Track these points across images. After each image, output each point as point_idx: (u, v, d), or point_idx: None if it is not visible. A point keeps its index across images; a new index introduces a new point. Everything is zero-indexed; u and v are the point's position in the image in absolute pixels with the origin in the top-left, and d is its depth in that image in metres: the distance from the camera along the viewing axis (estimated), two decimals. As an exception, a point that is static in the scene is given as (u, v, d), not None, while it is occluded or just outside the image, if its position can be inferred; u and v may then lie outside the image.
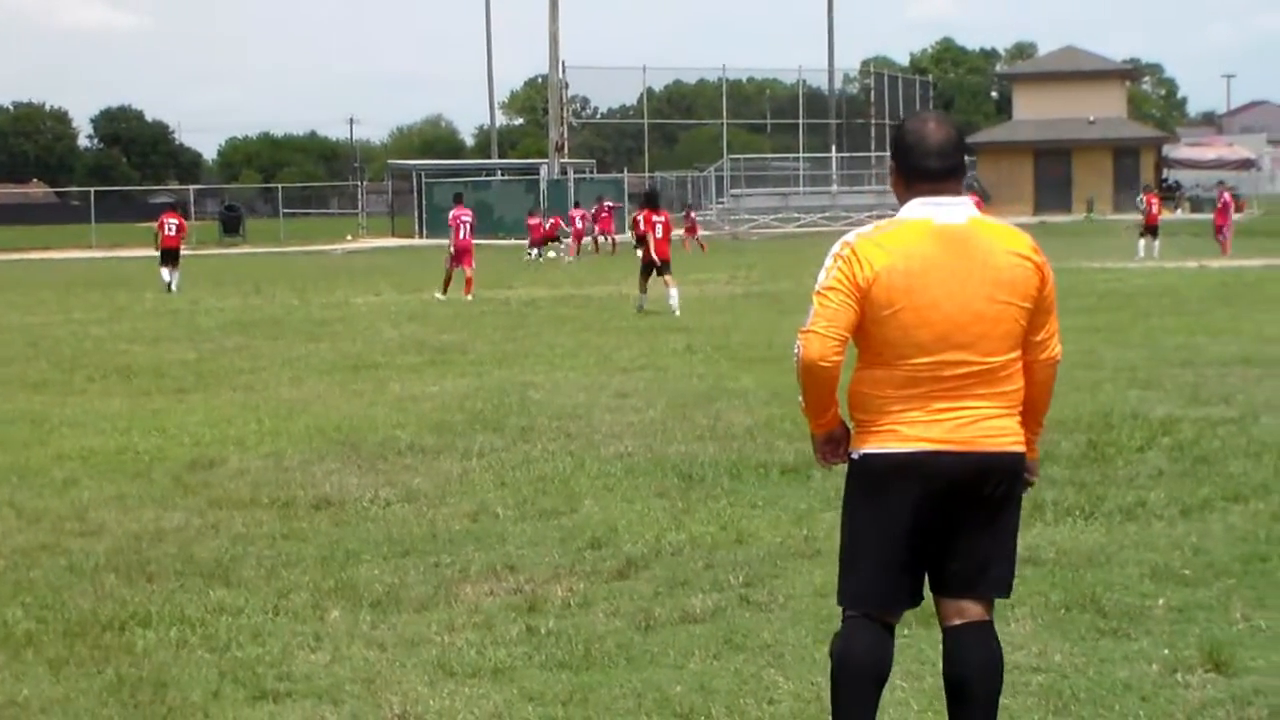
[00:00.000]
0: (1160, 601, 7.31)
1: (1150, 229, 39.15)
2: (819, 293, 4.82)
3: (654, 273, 25.54)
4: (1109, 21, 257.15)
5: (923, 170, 4.88)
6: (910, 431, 4.78)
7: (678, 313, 24.12)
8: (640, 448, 11.84)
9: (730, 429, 12.58)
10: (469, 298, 29.45)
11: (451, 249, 30.62)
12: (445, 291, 30.08)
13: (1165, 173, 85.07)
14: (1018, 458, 4.92)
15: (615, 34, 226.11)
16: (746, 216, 74.04)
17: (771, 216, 74.71)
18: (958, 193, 4.90)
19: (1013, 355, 4.85)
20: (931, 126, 4.93)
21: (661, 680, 6.41)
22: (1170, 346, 18.03)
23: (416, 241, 65.01)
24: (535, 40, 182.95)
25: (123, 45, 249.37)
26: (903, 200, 4.95)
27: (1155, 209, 39.36)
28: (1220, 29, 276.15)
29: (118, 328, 24.85)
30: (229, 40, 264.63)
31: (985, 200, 44.68)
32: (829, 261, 4.85)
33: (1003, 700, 5.99)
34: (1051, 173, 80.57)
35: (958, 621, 4.97)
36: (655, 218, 25.77)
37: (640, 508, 9.74)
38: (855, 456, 4.93)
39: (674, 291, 24.78)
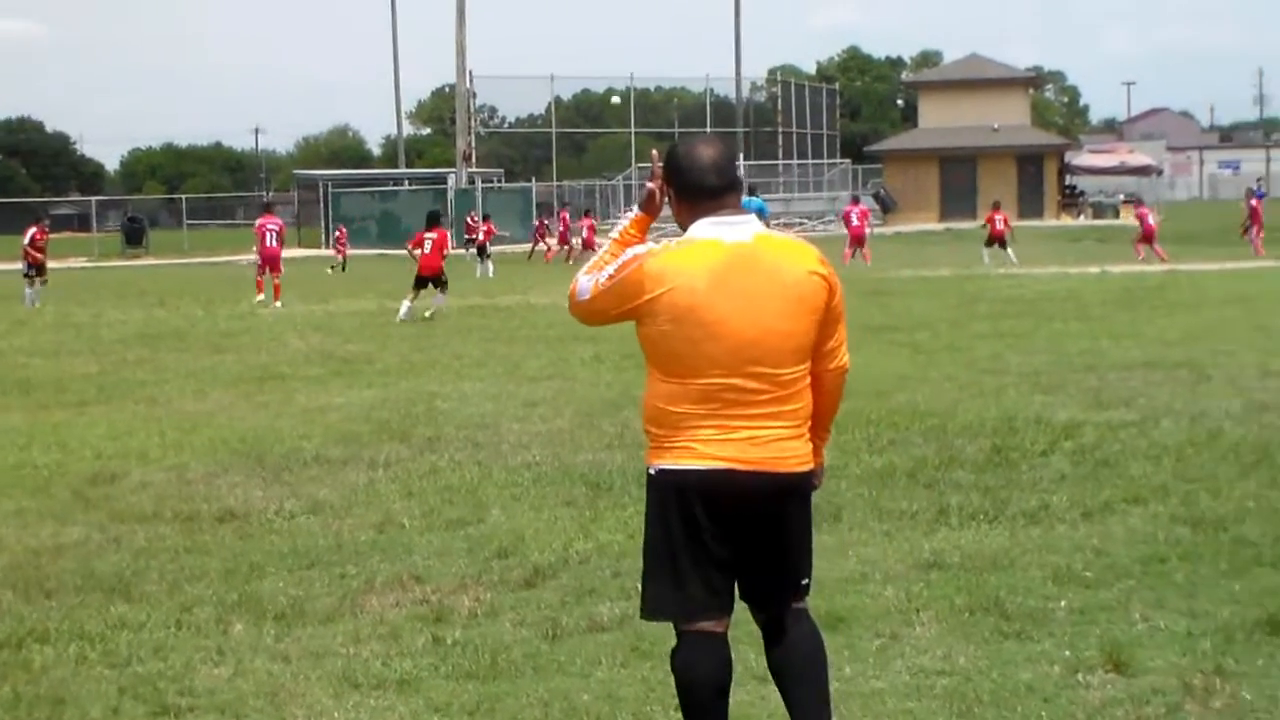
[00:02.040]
0: (1062, 603, 7.38)
1: (996, 239, 40.51)
2: (601, 287, 5.00)
3: (428, 285, 27.09)
4: (1013, 30, 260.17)
5: (703, 188, 4.96)
6: (705, 449, 4.86)
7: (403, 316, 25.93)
8: (548, 457, 11.82)
9: (638, 437, 12.47)
10: (278, 305, 30.55)
11: (258, 256, 32.25)
12: (262, 295, 31.39)
13: (1069, 179, 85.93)
14: (807, 477, 5.05)
15: (523, 43, 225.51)
16: (655, 225, 74.03)
17: (680, 224, 74.68)
18: (738, 209, 4.99)
19: (802, 368, 4.94)
20: (703, 147, 5.05)
21: (569, 689, 6.40)
22: (1073, 351, 18.22)
23: (323, 252, 64.38)
24: (442, 49, 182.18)
25: (22, 55, 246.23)
26: (687, 224, 5.01)
27: (1000, 224, 40.41)
28: (1119, 37, 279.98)
29: (16, 340, 24.50)
30: (132, 50, 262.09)
31: (891, 208, 45.17)
32: (626, 262, 4.97)
33: (908, 704, 6.06)
34: (957, 180, 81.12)
35: (771, 615, 5.17)
36: (428, 235, 27.23)
37: (548, 516, 9.72)
38: (652, 472, 5.03)
39: (428, 303, 26.64)
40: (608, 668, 6.66)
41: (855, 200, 45.46)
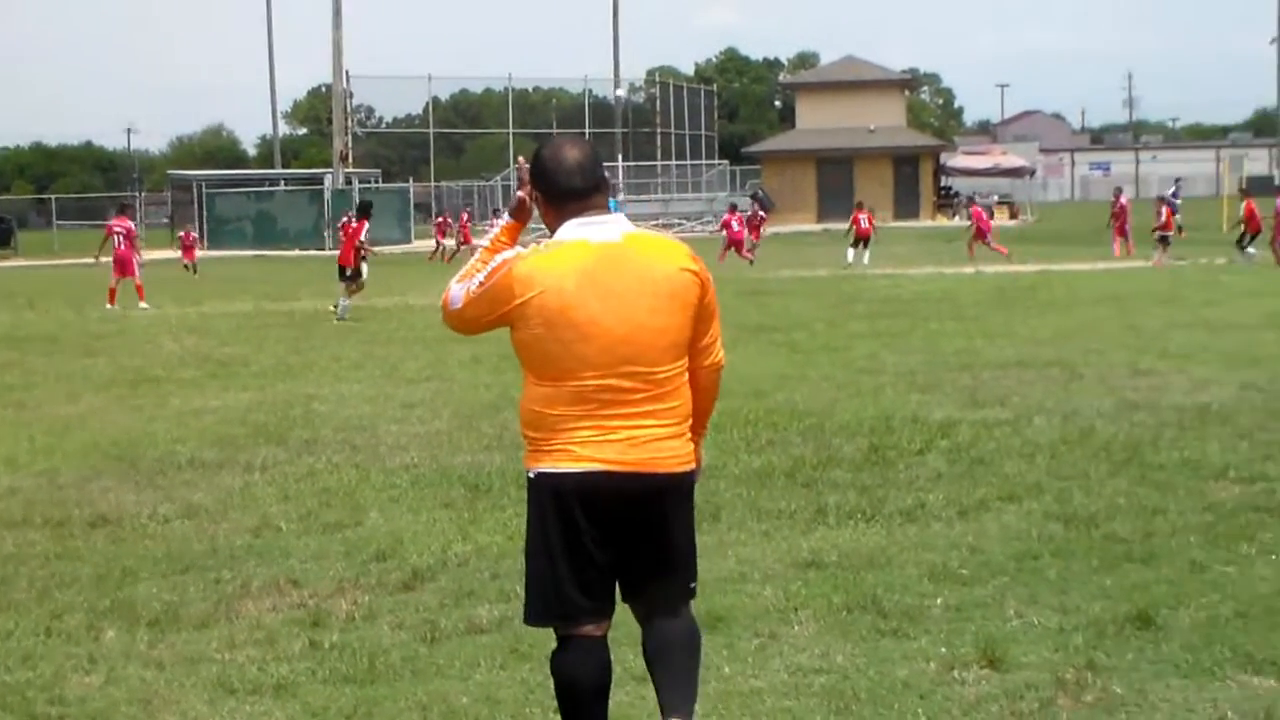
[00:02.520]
0: (938, 601, 7.45)
1: (862, 239, 40.86)
2: (472, 295, 4.99)
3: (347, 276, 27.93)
4: (888, 33, 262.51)
5: (568, 189, 4.97)
6: (583, 451, 4.86)
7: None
8: (426, 459, 11.77)
9: (517, 439, 12.42)
10: (144, 306, 30.45)
11: (105, 258, 32.06)
12: (113, 303, 30.83)
13: (944, 180, 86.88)
14: (688, 477, 5.06)
15: (400, 43, 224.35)
16: (533, 225, 73.85)
17: (558, 225, 74.60)
18: (605, 209, 5.02)
19: (678, 366, 4.96)
20: (566, 148, 5.06)
21: (448, 691, 6.38)
22: (949, 351, 18.41)
23: (198, 253, 63.71)
24: (318, 49, 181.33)
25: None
26: (555, 226, 5.03)
27: (865, 223, 40.73)
28: (992, 40, 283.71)
29: (-117, 344, 23.98)
30: None
31: (770, 209, 45.34)
32: (497, 266, 4.96)
33: (786, 702, 6.10)
34: (834, 181, 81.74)
35: (651, 614, 5.17)
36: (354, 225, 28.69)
37: (426, 519, 9.68)
38: (530, 476, 5.01)
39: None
40: (487, 670, 6.64)
41: (733, 209, 45.65)
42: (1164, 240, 37.74)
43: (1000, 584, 7.73)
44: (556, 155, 5.02)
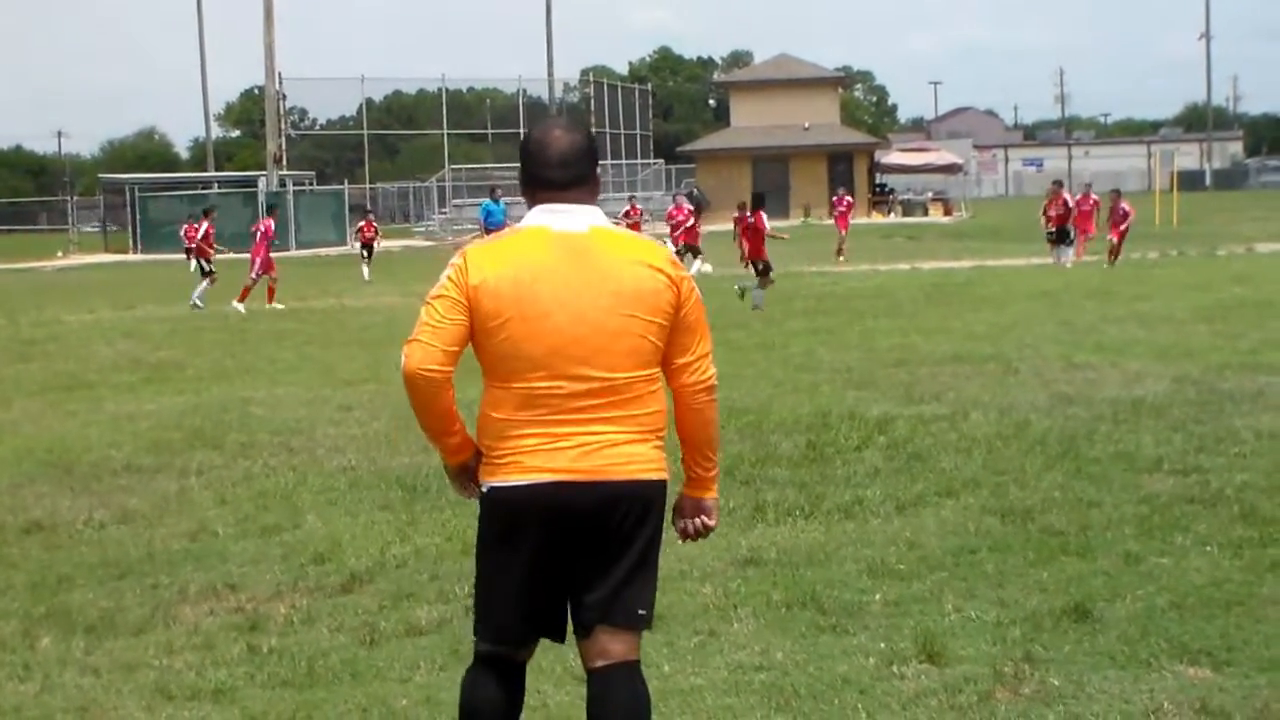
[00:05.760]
0: (877, 596, 7.49)
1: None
2: (427, 301, 4.57)
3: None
4: (821, 31, 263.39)
5: (544, 180, 4.65)
6: (532, 461, 4.50)
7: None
8: (364, 461, 11.73)
9: (455, 439, 12.49)
10: (238, 305, 29.96)
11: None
12: (272, 300, 30.79)
13: (879, 177, 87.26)
14: (652, 486, 4.62)
15: (333, 45, 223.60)
16: (469, 226, 73.72)
17: (495, 226, 74.57)
18: (584, 201, 4.66)
19: (642, 373, 4.57)
20: (555, 134, 4.70)
21: (387, 694, 6.36)
22: (885, 347, 18.49)
23: (132, 257, 63.30)
24: (251, 51, 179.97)
25: None
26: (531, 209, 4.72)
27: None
28: (924, 38, 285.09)
29: None
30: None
31: (704, 207, 45.15)
32: (445, 270, 4.61)
33: (727, 699, 6.11)
34: (770, 179, 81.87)
35: (600, 664, 4.64)
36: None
37: (364, 521, 9.65)
38: (483, 489, 4.64)
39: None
40: (427, 672, 6.62)
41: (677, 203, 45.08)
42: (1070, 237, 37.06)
43: (938, 579, 7.78)
44: (543, 140, 4.68)
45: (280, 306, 29.65)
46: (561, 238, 4.56)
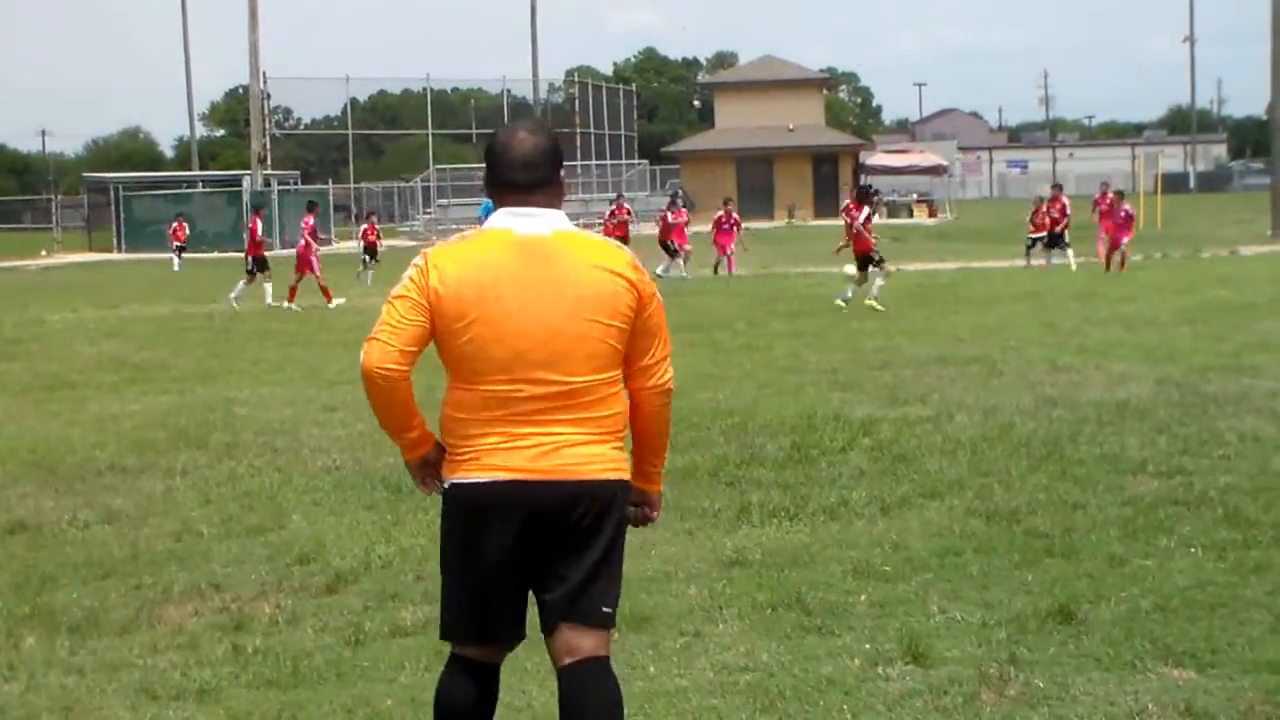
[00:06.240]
0: (862, 598, 7.49)
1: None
2: (389, 300, 4.60)
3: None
4: (806, 32, 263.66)
5: (508, 182, 4.68)
6: (491, 460, 4.53)
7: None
8: (348, 461, 11.71)
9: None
10: (331, 304, 30.05)
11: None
12: (292, 300, 30.55)
13: (863, 178, 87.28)
14: (611, 486, 4.63)
15: (317, 45, 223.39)
16: (454, 226, 73.60)
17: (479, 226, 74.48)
18: (549, 205, 4.68)
19: (602, 377, 4.59)
20: (520, 137, 4.72)
21: (372, 695, 6.35)
22: (870, 349, 18.51)
23: (115, 256, 63.18)
24: (235, 50, 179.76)
25: None
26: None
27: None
28: (909, 39, 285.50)
29: None
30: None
31: (689, 208, 45.03)
32: (408, 270, 4.64)
33: (712, 700, 6.12)
34: (754, 180, 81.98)
35: (568, 660, 4.64)
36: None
37: (349, 521, 9.64)
38: (445, 486, 4.68)
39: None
40: (411, 672, 6.61)
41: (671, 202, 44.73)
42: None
43: (923, 580, 7.79)
44: (508, 143, 4.69)
45: (296, 307, 29.43)
46: (524, 241, 4.60)
